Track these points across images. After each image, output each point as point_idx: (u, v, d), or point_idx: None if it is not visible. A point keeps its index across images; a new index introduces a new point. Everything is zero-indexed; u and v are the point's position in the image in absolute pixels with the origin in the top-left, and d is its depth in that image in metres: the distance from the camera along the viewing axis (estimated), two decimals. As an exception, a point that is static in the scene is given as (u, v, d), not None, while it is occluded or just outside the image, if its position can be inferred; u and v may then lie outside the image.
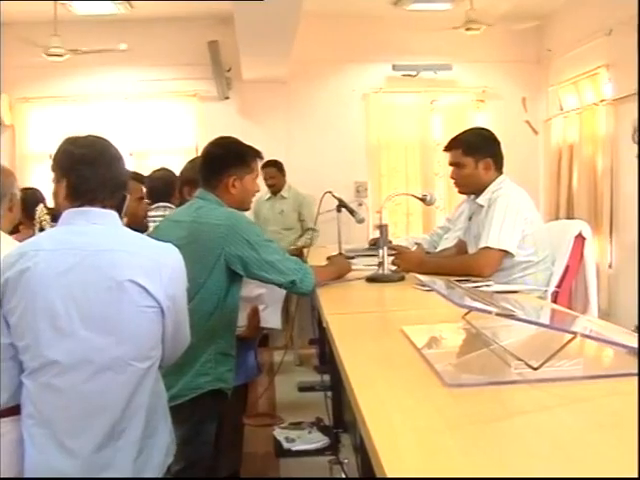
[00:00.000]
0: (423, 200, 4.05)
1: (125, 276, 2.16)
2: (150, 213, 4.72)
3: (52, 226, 4.16)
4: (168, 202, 4.74)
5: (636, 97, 6.51)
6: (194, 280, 2.64)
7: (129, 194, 3.33)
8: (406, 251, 3.98)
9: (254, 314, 3.63)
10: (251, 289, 3.57)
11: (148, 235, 2.96)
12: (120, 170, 2.41)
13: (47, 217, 4.13)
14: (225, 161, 3.29)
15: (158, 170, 5.22)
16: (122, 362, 2.17)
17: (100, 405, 2.16)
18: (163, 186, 4.83)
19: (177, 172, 4.38)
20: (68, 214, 2.27)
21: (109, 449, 2.16)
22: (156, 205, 4.79)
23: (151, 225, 4.25)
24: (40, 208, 4.07)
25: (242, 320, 3.48)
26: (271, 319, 3.82)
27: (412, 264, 3.67)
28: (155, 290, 2.20)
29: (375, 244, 5.14)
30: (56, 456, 2.15)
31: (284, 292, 3.69)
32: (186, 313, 2.43)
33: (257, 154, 3.39)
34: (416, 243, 5.15)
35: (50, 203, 5.06)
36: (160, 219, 4.00)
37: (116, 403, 2.17)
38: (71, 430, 2.15)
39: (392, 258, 3.68)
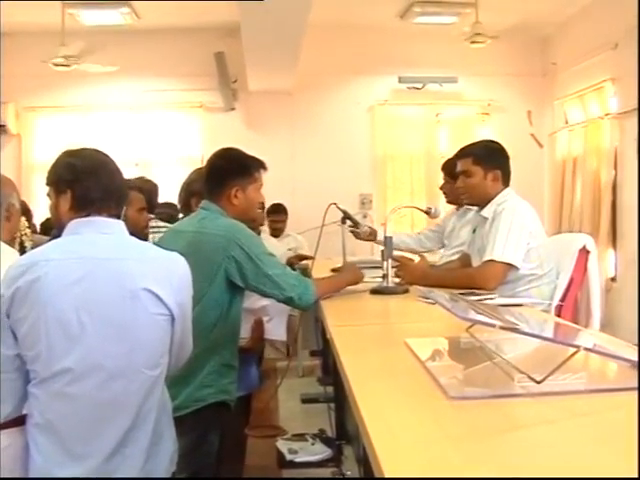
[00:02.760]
0: (428, 213, 4.06)
1: (139, 284, 2.19)
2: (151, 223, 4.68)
3: (32, 240, 4.15)
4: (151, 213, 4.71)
5: (636, 112, 6.53)
6: (195, 291, 2.66)
7: (130, 204, 3.35)
8: (410, 263, 3.97)
9: (258, 326, 3.63)
10: (254, 300, 3.57)
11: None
12: (121, 181, 2.44)
13: (28, 230, 4.12)
14: (227, 172, 3.29)
15: (139, 179, 5.14)
16: (134, 369, 2.19)
17: (112, 412, 2.17)
18: (149, 197, 4.78)
19: (180, 183, 4.35)
20: (75, 224, 2.29)
21: (118, 456, 2.17)
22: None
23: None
24: (22, 221, 4.05)
25: (245, 332, 3.48)
26: (276, 330, 3.82)
27: (416, 277, 3.67)
28: (167, 298, 2.23)
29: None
30: (64, 464, 2.16)
31: None
32: (191, 322, 2.45)
33: (260, 164, 3.38)
34: (420, 255, 5.14)
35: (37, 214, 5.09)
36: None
37: (127, 410, 2.18)
38: (81, 438, 2.16)
39: (395, 270, 3.68)
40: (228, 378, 3.12)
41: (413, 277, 3.66)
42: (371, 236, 4.66)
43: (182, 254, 2.46)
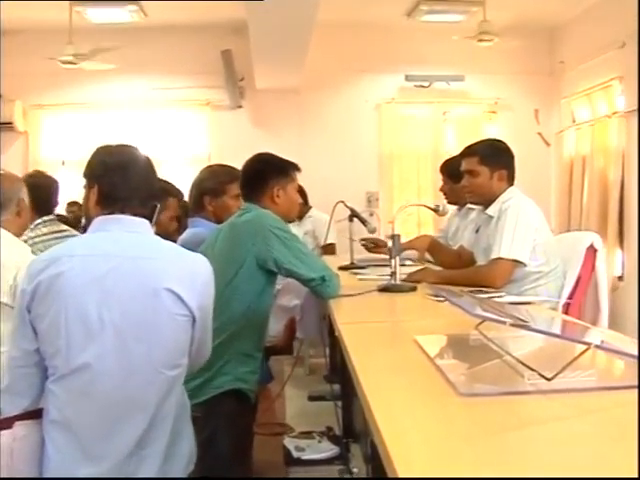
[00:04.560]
0: (436, 211, 4.06)
1: (162, 284, 2.16)
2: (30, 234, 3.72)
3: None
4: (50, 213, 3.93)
5: (636, 112, 6.53)
6: (222, 277, 2.67)
7: (166, 209, 3.33)
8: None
9: (291, 324, 3.67)
10: (289, 299, 3.61)
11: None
12: (151, 179, 2.42)
13: None
14: (267, 174, 3.40)
15: (35, 173, 4.31)
16: (153, 369, 2.17)
17: (129, 412, 2.16)
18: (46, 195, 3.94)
19: (188, 180, 4.34)
20: (101, 221, 2.28)
21: (135, 457, 2.15)
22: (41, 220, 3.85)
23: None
24: None
25: (278, 330, 3.51)
26: (308, 328, 3.84)
27: (426, 275, 3.69)
28: (189, 299, 2.20)
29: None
30: (81, 463, 2.15)
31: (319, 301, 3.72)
32: (211, 325, 2.42)
33: (295, 166, 3.52)
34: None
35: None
36: (40, 240, 3.66)
37: (145, 411, 2.17)
38: (99, 437, 2.15)
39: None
40: (247, 367, 3.15)
41: (424, 275, 3.68)
42: (384, 249, 4.59)
43: (217, 246, 2.47)
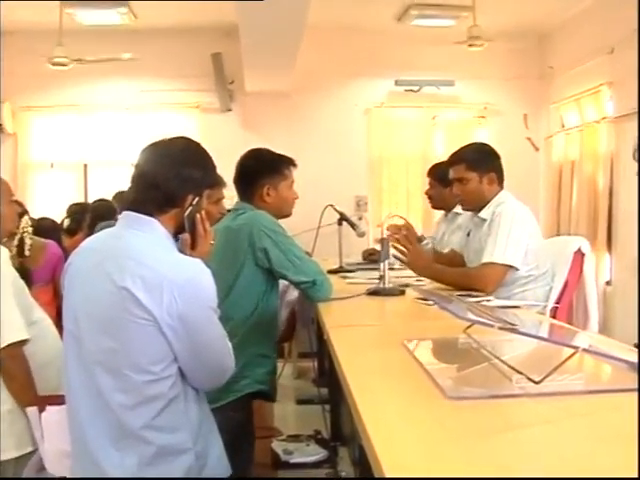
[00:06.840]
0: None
1: (123, 283, 2.07)
2: None
3: (32, 239, 4.18)
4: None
5: (636, 115, 6.54)
6: (224, 281, 2.67)
7: None
8: (418, 247, 3.88)
9: (292, 317, 3.69)
10: (290, 292, 3.62)
11: None
12: (166, 178, 2.24)
13: (30, 229, 4.15)
14: (257, 171, 3.40)
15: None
16: (116, 367, 2.10)
17: (96, 410, 2.12)
18: None
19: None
20: (120, 217, 2.29)
21: (117, 461, 2.10)
22: None
23: None
24: (25, 219, 4.08)
25: (281, 321, 3.53)
26: (305, 319, 3.87)
27: (419, 265, 3.69)
28: (150, 304, 2.06)
29: (371, 255, 5.17)
30: (80, 457, 2.19)
31: None
32: (214, 337, 2.25)
33: (290, 162, 3.50)
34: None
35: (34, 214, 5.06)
36: None
37: (108, 412, 2.11)
38: (84, 432, 2.15)
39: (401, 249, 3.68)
40: (264, 368, 3.18)
41: (416, 264, 3.68)
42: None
43: (216, 252, 2.46)
